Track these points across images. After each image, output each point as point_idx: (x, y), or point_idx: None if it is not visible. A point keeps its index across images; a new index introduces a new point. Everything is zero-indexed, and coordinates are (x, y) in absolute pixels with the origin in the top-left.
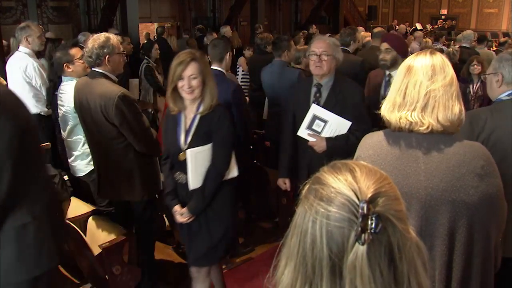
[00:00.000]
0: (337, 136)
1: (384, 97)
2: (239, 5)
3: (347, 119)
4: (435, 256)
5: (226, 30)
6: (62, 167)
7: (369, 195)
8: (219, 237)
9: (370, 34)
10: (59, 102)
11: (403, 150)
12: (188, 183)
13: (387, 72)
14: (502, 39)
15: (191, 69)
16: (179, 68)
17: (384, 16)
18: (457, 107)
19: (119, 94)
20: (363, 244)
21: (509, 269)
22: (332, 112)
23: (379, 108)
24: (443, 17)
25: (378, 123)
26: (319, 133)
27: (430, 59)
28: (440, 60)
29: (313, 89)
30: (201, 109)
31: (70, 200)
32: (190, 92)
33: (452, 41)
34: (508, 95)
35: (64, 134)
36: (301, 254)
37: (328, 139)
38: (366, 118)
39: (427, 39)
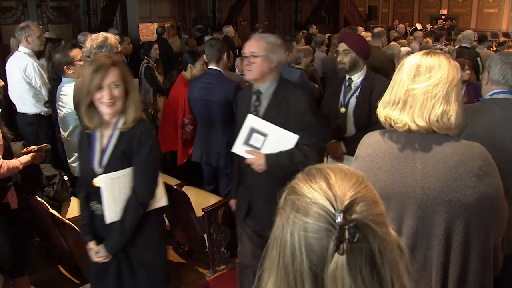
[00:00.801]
0: (280, 152)
1: (344, 105)
2: (239, 5)
3: (293, 132)
4: (432, 256)
5: (229, 30)
6: (62, 167)
7: (345, 203)
8: (146, 284)
9: (370, 34)
10: (59, 103)
11: (401, 149)
12: (104, 215)
13: (347, 76)
14: (501, 39)
15: (112, 76)
16: (97, 76)
17: (384, 16)
18: (440, 108)
19: None
20: (342, 254)
21: (509, 265)
22: (273, 123)
23: (338, 117)
24: (443, 17)
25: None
26: (259, 149)
27: (420, 59)
28: (431, 61)
29: (253, 97)
30: (120, 124)
31: (70, 200)
32: (110, 104)
33: (452, 41)
34: (491, 94)
35: (64, 134)
36: (282, 266)
37: (268, 156)
38: (317, 130)
39: (427, 39)
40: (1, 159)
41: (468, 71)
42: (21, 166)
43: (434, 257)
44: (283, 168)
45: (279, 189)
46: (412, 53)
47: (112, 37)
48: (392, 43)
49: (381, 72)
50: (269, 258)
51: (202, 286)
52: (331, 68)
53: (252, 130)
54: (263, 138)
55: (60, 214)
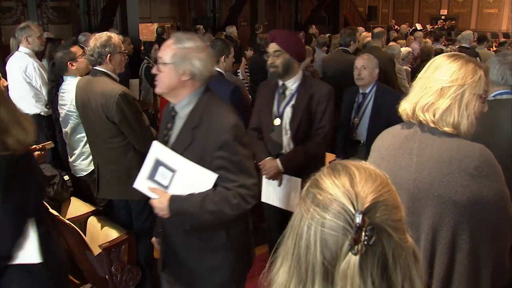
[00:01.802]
0: (190, 195)
1: (278, 116)
2: (239, 5)
3: (211, 169)
4: (419, 250)
5: (232, 31)
6: (62, 167)
7: (366, 205)
8: None
9: (370, 34)
10: (60, 101)
11: (403, 141)
12: None
13: (280, 83)
14: (502, 39)
15: None
16: None
17: (384, 16)
18: (428, 99)
19: (120, 92)
20: (356, 255)
21: None
22: (184, 155)
23: (272, 130)
24: (443, 17)
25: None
26: (166, 187)
27: (441, 58)
28: (445, 60)
29: (169, 118)
30: None
31: (70, 200)
32: None
33: (453, 42)
34: (494, 96)
35: (65, 133)
36: (295, 257)
37: (173, 199)
38: (244, 166)
39: (427, 39)
40: None
41: None
42: None
43: (421, 251)
44: (192, 217)
45: (199, 241)
46: (412, 53)
47: (115, 37)
48: (392, 43)
49: (382, 72)
50: (284, 246)
51: None
52: (331, 68)
53: (158, 163)
54: (170, 174)
55: (60, 214)
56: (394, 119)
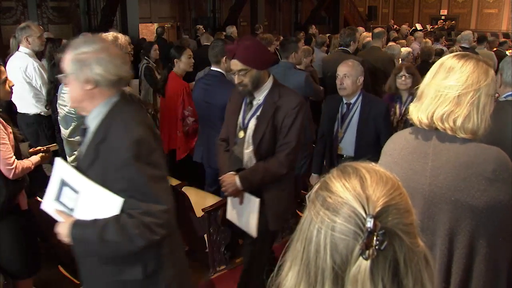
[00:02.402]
0: (93, 221)
1: (243, 128)
2: (239, 5)
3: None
4: (435, 256)
5: (233, 31)
6: None
7: (377, 209)
8: None
9: (370, 34)
10: (60, 102)
11: (416, 145)
12: None
13: (248, 99)
14: (501, 39)
15: None
16: None
17: (384, 16)
18: (445, 108)
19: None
20: (366, 259)
21: None
22: (88, 174)
23: (236, 143)
24: (443, 17)
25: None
26: (71, 210)
27: (447, 58)
28: (454, 62)
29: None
30: None
31: None
32: None
33: (454, 42)
34: (506, 96)
35: (64, 133)
36: (304, 261)
37: (76, 224)
38: (150, 190)
39: (427, 39)
40: (15, 160)
41: (404, 78)
42: (33, 167)
43: (437, 257)
44: (92, 246)
45: (111, 274)
46: (412, 53)
47: (122, 37)
48: (392, 43)
49: (381, 72)
50: (293, 250)
51: (202, 286)
52: (331, 69)
53: (63, 183)
54: (75, 196)
55: None
56: (383, 130)
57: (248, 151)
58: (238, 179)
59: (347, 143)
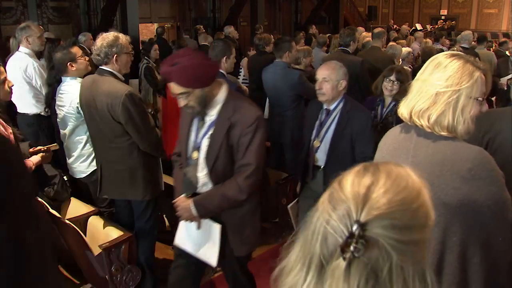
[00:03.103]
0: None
1: (196, 148)
2: (239, 5)
3: None
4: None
5: (231, 31)
6: (62, 167)
7: (369, 217)
8: None
9: (370, 34)
10: (58, 103)
11: (401, 140)
12: None
13: (196, 121)
14: (502, 39)
15: None
16: None
17: (384, 16)
18: (422, 105)
19: (126, 92)
20: (344, 260)
21: None
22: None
23: (189, 164)
24: (443, 17)
25: None
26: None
27: (437, 56)
28: (442, 61)
29: None
30: None
31: (70, 200)
32: None
33: (454, 42)
34: None
35: (64, 134)
36: (303, 241)
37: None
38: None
39: (427, 39)
40: None
41: (393, 85)
42: (33, 167)
43: None
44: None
45: None
46: (412, 53)
47: (123, 37)
48: (392, 43)
49: (381, 72)
50: (302, 228)
51: (202, 286)
52: None
53: None
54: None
55: (60, 214)
56: (361, 142)
57: (202, 174)
58: (193, 205)
59: (323, 154)
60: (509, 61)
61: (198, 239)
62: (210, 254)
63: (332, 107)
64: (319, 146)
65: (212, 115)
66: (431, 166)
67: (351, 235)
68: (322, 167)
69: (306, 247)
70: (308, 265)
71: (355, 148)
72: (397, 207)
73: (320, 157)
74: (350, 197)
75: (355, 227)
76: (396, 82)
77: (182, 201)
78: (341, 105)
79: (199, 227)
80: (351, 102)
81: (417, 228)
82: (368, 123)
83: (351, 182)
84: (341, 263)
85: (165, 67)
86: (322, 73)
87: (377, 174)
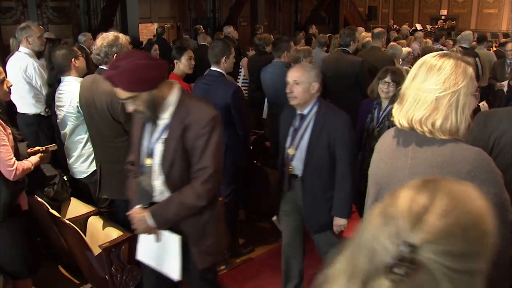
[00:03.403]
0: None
1: (149, 154)
2: (239, 5)
3: None
4: None
5: (230, 31)
6: (61, 167)
7: (421, 241)
8: None
9: (370, 34)
10: (58, 103)
11: (399, 144)
12: None
13: (148, 126)
14: (502, 40)
15: None
16: None
17: (384, 17)
18: (424, 111)
19: None
20: (389, 281)
21: None
22: None
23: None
24: (443, 17)
25: None
26: None
27: (426, 59)
28: (434, 63)
29: None
30: None
31: (70, 200)
32: None
33: (455, 42)
34: None
35: (64, 134)
36: (350, 252)
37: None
38: None
39: (427, 39)
40: (15, 161)
41: (389, 86)
42: (32, 167)
43: None
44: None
45: None
46: (413, 53)
47: (123, 37)
48: (392, 43)
49: None
50: (351, 238)
51: None
52: (331, 68)
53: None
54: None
55: (60, 214)
56: (340, 148)
57: (158, 182)
58: (150, 216)
59: (299, 162)
60: (506, 63)
61: (158, 252)
62: (172, 267)
63: (305, 111)
64: (294, 154)
65: (164, 118)
66: (431, 168)
67: (401, 257)
68: (299, 176)
69: (352, 260)
70: (352, 278)
71: (337, 156)
72: (454, 233)
73: (297, 166)
74: (404, 216)
75: (405, 249)
76: (391, 84)
77: (138, 213)
78: (315, 108)
79: (158, 239)
80: (326, 105)
81: (474, 257)
82: (345, 127)
83: (407, 198)
84: (386, 283)
85: (107, 72)
86: (292, 76)
87: (436, 193)
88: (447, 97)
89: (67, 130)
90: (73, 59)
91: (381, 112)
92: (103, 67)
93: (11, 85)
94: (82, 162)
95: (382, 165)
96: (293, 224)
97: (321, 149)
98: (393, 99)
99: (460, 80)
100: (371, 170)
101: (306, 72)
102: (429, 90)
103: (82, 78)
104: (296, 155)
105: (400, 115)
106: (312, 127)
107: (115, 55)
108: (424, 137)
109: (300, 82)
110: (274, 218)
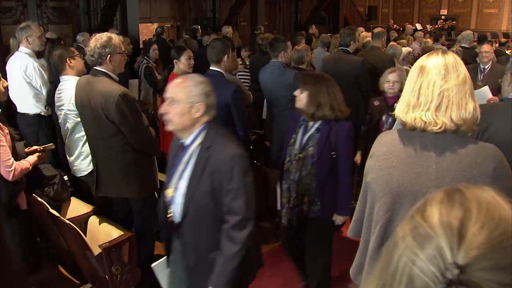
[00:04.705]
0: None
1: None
2: (239, 5)
3: None
4: None
5: (228, 31)
6: (61, 167)
7: (467, 259)
8: None
9: (370, 34)
10: (57, 104)
11: (417, 149)
12: None
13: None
14: (502, 40)
15: None
16: None
17: (384, 16)
18: (471, 105)
19: (120, 92)
20: None
21: None
22: None
23: None
24: (443, 17)
25: None
26: None
27: (443, 58)
28: (452, 59)
29: None
30: None
31: (70, 200)
32: None
33: (454, 42)
34: None
35: (65, 132)
36: (380, 282)
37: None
38: None
39: (427, 39)
40: (14, 161)
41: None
42: (30, 167)
43: None
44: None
45: None
46: (413, 53)
47: (116, 38)
48: (392, 43)
49: (381, 72)
50: (379, 262)
51: None
52: (331, 68)
53: None
54: None
55: (60, 214)
56: (225, 195)
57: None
58: None
59: (180, 206)
60: (479, 69)
61: None
62: None
63: (188, 141)
64: (173, 196)
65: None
66: (460, 170)
67: (448, 281)
68: (177, 223)
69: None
70: None
71: (224, 201)
72: (497, 245)
73: (176, 211)
74: (441, 234)
75: (453, 271)
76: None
77: None
78: (199, 139)
79: None
80: (215, 134)
81: None
82: (234, 169)
83: (438, 214)
84: None
85: None
86: (169, 91)
87: (467, 204)
88: (456, 88)
89: (68, 128)
90: (67, 59)
91: (306, 135)
92: (98, 68)
93: (7, 85)
94: (82, 160)
95: (397, 173)
96: (178, 278)
97: (201, 194)
98: (317, 114)
99: (462, 70)
100: (377, 179)
101: (187, 88)
102: (437, 85)
103: (79, 78)
104: (175, 198)
105: (453, 117)
106: (194, 164)
107: (109, 56)
108: (443, 139)
109: (178, 100)
110: (154, 264)
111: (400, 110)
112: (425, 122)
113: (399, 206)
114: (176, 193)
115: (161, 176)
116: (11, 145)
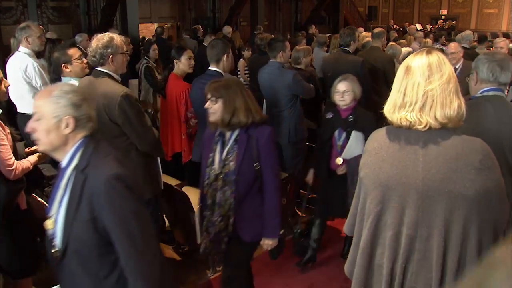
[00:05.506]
0: None
1: None
2: (239, 5)
3: None
4: (432, 246)
5: (229, 31)
6: None
7: None
8: None
9: (370, 34)
10: None
11: (404, 143)
12: None
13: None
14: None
15: None
16: None
17: (384, 16)
18: (455, 103)
19: (122, 93)
20: None
21: None
22: None
23: None
24: (443, 17)
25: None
26: None
27: (427, 58)
28: (436, 58)
29: None
30: None
31: None
32: None
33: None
34: (481, 92)
35: None
36: None
37: None
38: None
39: (427, 39)
40: (15, 161)
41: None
42: (31, 167)
43: (435, 247)
44: None
45: None
46: (411, 53)
47: (118, 38)
48: (392, 43)
49: (381, 72)
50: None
51: (202, 286)
52: (331, 68)
53: None
54: None
55: None
56: (109, 228)
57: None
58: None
59: (60, 241)
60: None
61: None
62: None
63: (64, 163)
64: (54, 229)
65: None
66: (446, 162)
67: None
68: (59, 261)
69: None
70: None
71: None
72: None
73: (59, 247)
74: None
75: None
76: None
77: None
78: (75, 160)
79: None
80: (92, 153)
81: None
82: (108, 193)
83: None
84: None
85: None
86: (33, 105)
87: None
88: (440, 88)
89: None
90: (63, 66)
91: (224, 149)
92: (100, 68)
93: (9, 85)
94: None
95: (386, 166)
96: None
97: (80, 226)
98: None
99: (446, 69)
100: (369, 174)
101: (51, 99)
102: (421, 86)
103: (80, 79)
104: (56, 230)
105: (438, 116)
106: (70, 190)
107: (111, 56)
108: (429, 134)
109: (42, 115)
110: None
111: (387, 109)
112: (410, 122)
113: (388, 198)
114: (56, 224)
115: (165, 178)
116: (12, 145)
